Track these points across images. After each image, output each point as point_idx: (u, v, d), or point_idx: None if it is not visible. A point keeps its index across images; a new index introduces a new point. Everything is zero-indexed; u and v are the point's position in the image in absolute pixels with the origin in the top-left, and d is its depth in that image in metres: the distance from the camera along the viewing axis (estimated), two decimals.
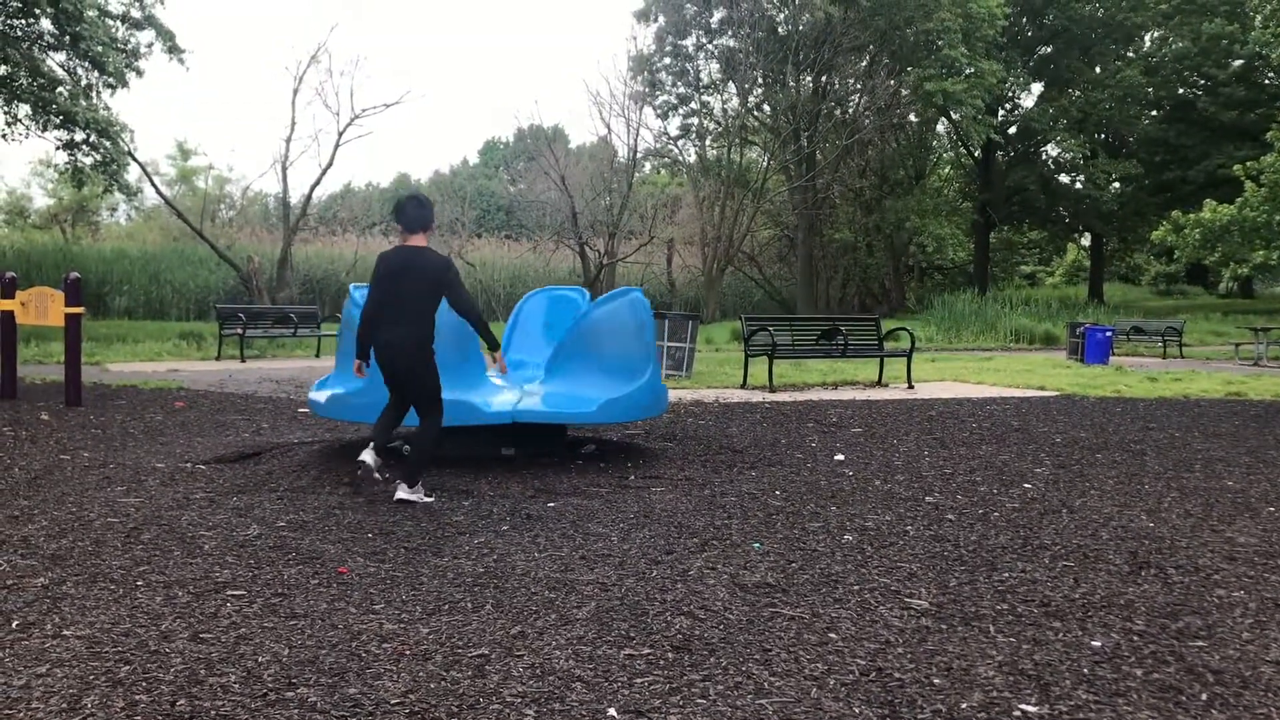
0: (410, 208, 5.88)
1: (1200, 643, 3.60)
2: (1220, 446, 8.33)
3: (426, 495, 5.84)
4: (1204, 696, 3.12)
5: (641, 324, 7.53)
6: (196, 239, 29.78)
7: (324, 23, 69.57)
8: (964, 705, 3.03)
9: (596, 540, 4.96)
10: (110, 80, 24.12)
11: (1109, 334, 19.20)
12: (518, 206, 44.86)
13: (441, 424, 5.88)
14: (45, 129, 23.90)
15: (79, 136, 23.90)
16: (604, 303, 7.62)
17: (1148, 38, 41.43)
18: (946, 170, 45.90)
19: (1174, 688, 3.18)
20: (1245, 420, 10.12)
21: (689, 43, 38.01)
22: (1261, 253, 25.67)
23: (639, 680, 3.19)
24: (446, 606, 3.90)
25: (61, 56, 24.08)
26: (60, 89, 23.63)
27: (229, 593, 4.04)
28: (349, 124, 28.74)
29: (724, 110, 37.90)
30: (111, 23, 24.46)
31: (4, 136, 24.40)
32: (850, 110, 36.95)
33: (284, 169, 28.52)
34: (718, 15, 36.67)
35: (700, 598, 4.04)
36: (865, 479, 6.73)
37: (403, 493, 5.77)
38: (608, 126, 49.99)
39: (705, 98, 38.52)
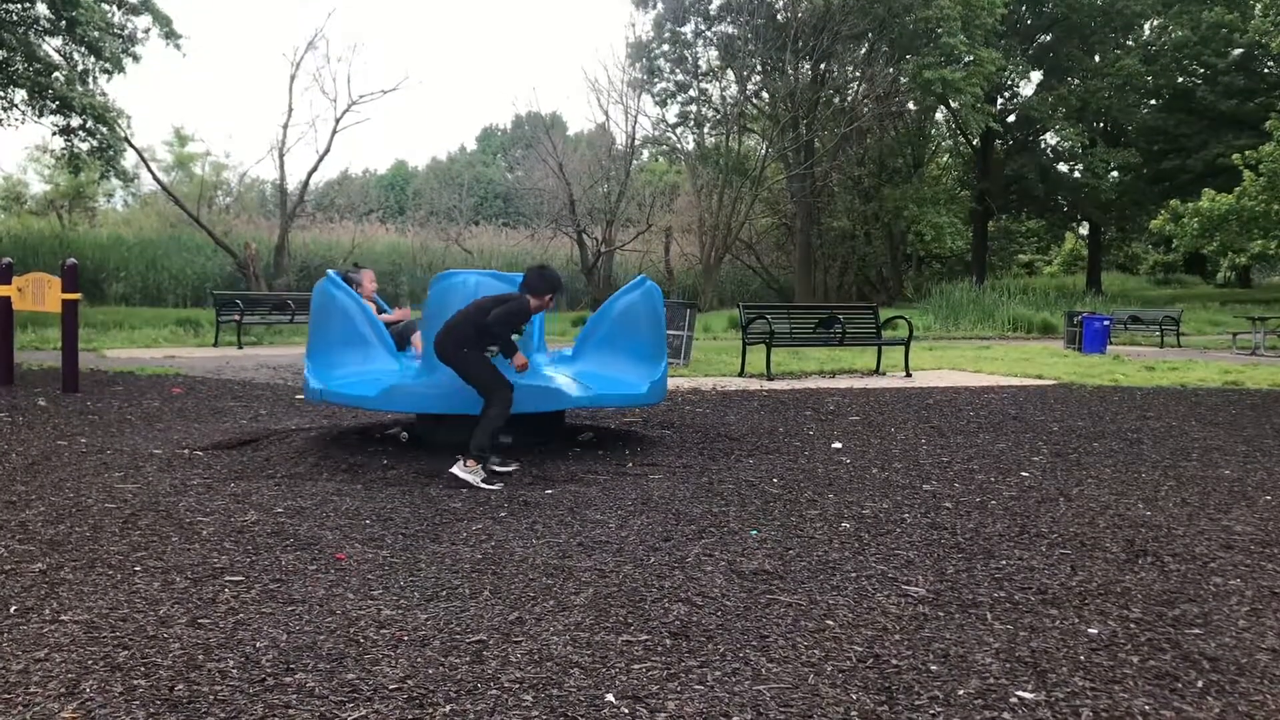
0: (528, 273, 6.52)
1: (1196, 630, 3.61)
2: (1217, 435, 8.34)
3: (487, 483, 5.90)
4: (1200, 683, 3.13)
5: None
6: (193, 225, 29.77)
7: (321, 8, 69.36)
8: (961, 692, 3.03)
9: (594, 527, 4.96)
10: (106, 65, 24.06)
11: (1106, 323, 19.22)
12: (515, 194, 44.84)
13: (500, 413, 6.11)
14: (41, 114, 23.84)
15: (75, 122, 23.85)
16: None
17: (1147, 26, 41.36)
18: (945, 159, 45.84)
19: (1170, 675, 3.19)
20: (1242, 409, 10.13)
21: (687, 29, 37.92)
22: (1260, 242, 25.69)
23: (636, 666, 3.19)
24: (444, 593, 3.90)
25: (57, 41, 24.01)
26: (56, 74, 23.57)
27: (227, 578, 4.04)
28: (346, 110, 28.79)
29: (722, 98, 37.87)
30: (107, 8, 24.38)
31: (0, 122, 24.33)
32: (849, 98, 36.90)
33: (281, 155, 28.55)
34: (716, 2, 36.62)
35: (698, 584, 4.05)
36: (863, 467, 6.73)
37: (457, 469, 5.94)
38: (606, 114, 49.96)
39: (704, 85, 38.46)
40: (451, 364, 6.23)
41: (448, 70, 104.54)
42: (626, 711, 2.87)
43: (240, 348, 17.37)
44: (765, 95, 37.23)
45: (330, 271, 7.65)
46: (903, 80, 34.79)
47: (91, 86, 24.33)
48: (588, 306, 29.40)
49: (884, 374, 13.60)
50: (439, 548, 4.55)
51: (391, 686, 3.00)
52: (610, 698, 2.95)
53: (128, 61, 24.59)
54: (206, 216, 31.63)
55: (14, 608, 3.65)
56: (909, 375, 13.36)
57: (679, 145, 39.32)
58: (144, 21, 25.50)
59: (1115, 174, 41.15)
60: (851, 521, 5.16)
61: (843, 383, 12.41)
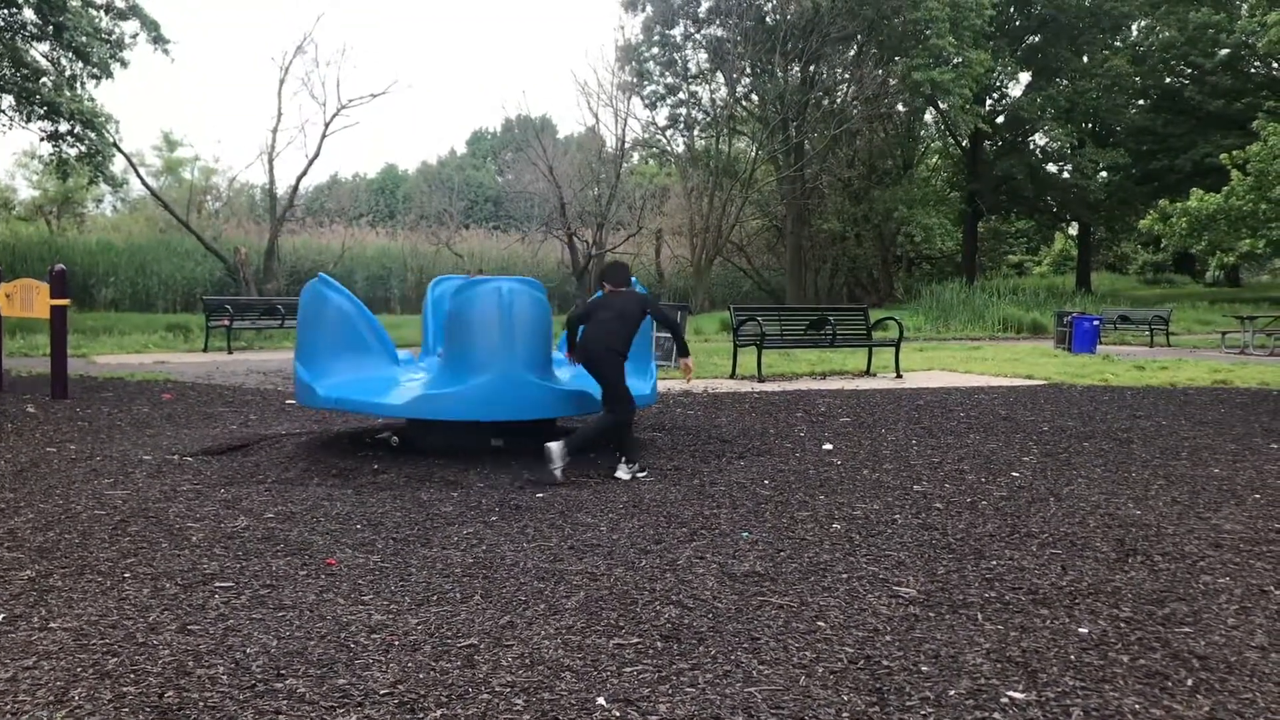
0: (622, 271, 7.03)
1: (1186, 629, 3.62)
2: (1206, 434, 8.37)
3: (640, 472, 6.47)
4: (1189, 682, 3.14)
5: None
6: (183, 230, 29.68)
7: (310, 12, 69.19)
8: (952, 692, 3.04)
9: (585, 530, 4.96)
10: (94, 71, 24.00)
11: (1096, 323, 19.28)
12: (506, 197, 44.80)
13: (618, 420, 6.53)
14: (29, 120, 23.76)
15: (63, 127, 23.77)
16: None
17: (1135, 27, 41.51)
18: (934, 160, 45.94)
19: (1160, 673, 3.20)
20: (1231, 408, 10.17)
21: (677, 32, 37.93)
22: (1248, 241, 25.78)
23: (628, 669, 3.19)
24: (435, 597, 3.90)
25: (45, 47, 23.94)
26: (44, 80, 23.49)
27: (217, 584, 4.03)
28: (335, 114, 28.74)
29: (712, 100, 37.89)
30: (95, 13, 24.30)
31: None
32: (838, 100, 36.95)
33: (270, 160, 28.51)
34: (705, 4, 36.62)
35: (689, 587, 4.04)
36: (853, 468, 6.74)
37: (620, 472, 6.41)
38: (596, 117, 50.14)
39: (693, 87, 38.47)
40: (600, 365, 6.53)
41: (437, 74, 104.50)
42: (618, 714, 2.86)
43: (230, 353, 17.33)
44: (755, 98, 37.26)
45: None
46: (892, 82, 34.85)
47: (79, 92, 24.25)
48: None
49: (875, 375, 13.62)
50: (430, 552, 4.54)
51: (382, 691, 3.00)
52: (601, 701, 2.95)
53: (115, 67, 24.51)
54: (196, 221, 31.55)
55: (2, 615, 3.63)
56: (900, 376, 13.38)
57: (669, 148, 39.33)
58: (132, 26, 25.43)
59: (1104, 174, 41.27)
60: (842, 523, 5.17)
61: (834, 384, 12.42)
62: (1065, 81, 39.44)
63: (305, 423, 8.70)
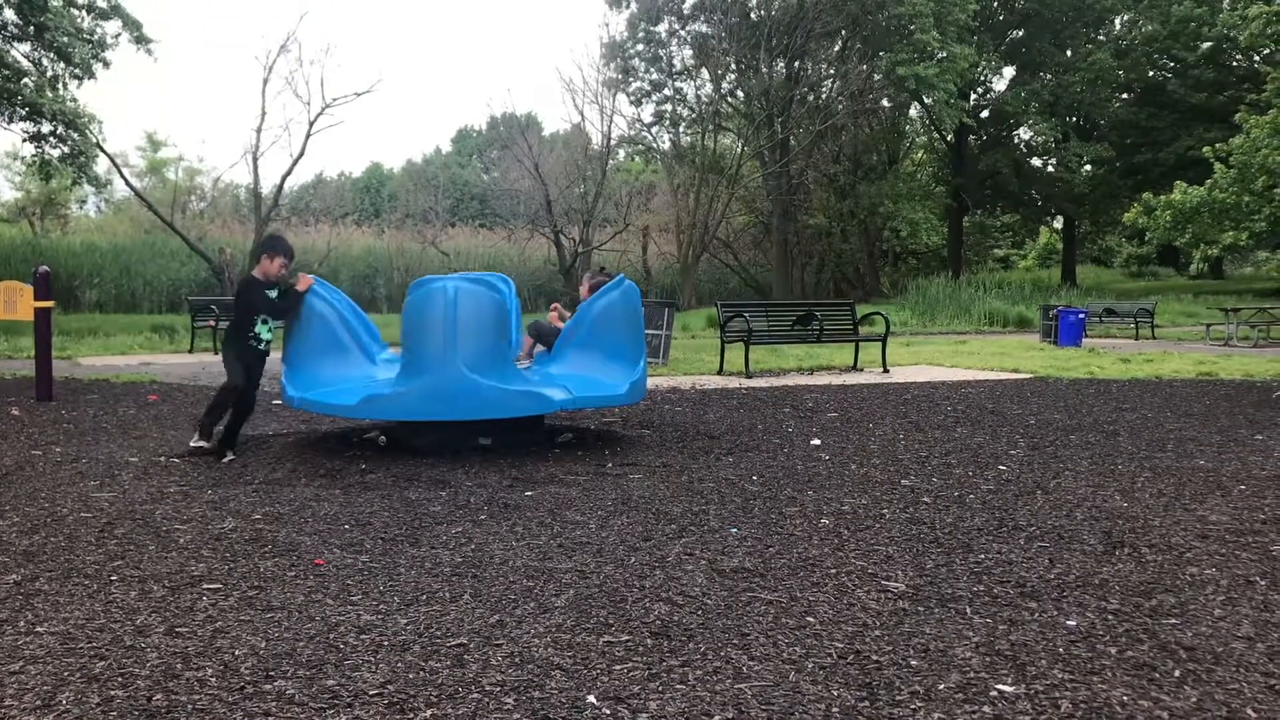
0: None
1: (1173, 620, 3.63)
2: (1192, 426, 8.41)
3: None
4: (1177, 673, 3.15)
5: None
6: (168, 231, 29.55)
7: (293, 11, 68.97)
8: (941, 686, 3.05)
9: (574, 528, 4.95)
10: (76, 71, 23.88)
11: (1082, 316, 19.35)
12: (491, 195, 44.76)
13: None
14: (11, 121, 23.64)
15: (46, 128, 23.66)
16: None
17: (1118, 21, 41.70)
18: (919, 155, 46.08)
19: (1148, 665, 3.21)
20: (1216, 400, 10.22)
21: (662, 29, 37.96)
22: (1231, 234, 25.95)
23: (618, 667, 3.19)
24: (424, 597, 3.89)
25: (26, 47, 23.81)
26: (25, 80, 23.35)
27: (205, 586, 4.01)
28: (320, 113, 28.67)
29: (697, 96, 37.92)
30: (76, 13, 24.18)
31: None
32: (823, 96, 37.01)
33: (255, 160, 28.41)
34: (690, 1, 36.63)
35: (678, 584, 4.04)
36: (841, 463, 6.75)
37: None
38: (581, 114, 50.07)
39: (679, 84, 38.50)
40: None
41: (421, 72, 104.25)
42: (608, 712, 2.86)
43: (216, 353, 17.22)
44: (740, 94, 37.30)
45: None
46: (876, 77, 34.92)
47: (62, 92, 24.13)
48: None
49: (862, 370, 13.64)
50: (418, 552, 4.53)
51: (372, 692, 2.99)
52: (592, 699, 2.95)
53: (98, 67, 24.39)
54: (181, 222, 31.42)
55: None
56: (886, 371, 13.40)
57: (655, 145, 39.34)
58: (114, 26, 25.33)
59: (1088, 168, 41.45)
60: (831, 518, 5.17)
61: (821, 379, 12.44)
62: (1049, 76, 39.60)
63: (292, 423, 8.67)
